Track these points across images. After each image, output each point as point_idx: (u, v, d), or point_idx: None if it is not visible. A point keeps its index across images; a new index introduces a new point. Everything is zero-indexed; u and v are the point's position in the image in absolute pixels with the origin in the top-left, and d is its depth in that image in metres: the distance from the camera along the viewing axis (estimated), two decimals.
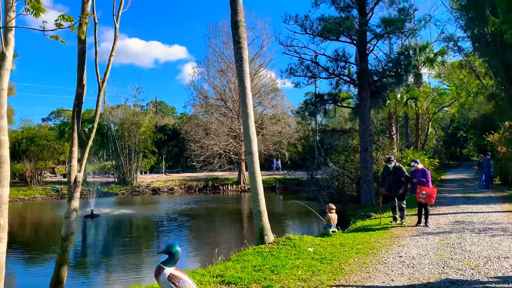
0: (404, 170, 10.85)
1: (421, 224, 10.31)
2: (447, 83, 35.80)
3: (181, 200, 27.61)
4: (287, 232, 9.33)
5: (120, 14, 5.27)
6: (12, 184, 28.44)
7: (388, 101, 21.17)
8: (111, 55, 5.31)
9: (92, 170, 38.22)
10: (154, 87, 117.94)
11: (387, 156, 12.24)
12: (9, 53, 5.64)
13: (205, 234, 15.59)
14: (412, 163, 10.63)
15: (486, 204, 13.74)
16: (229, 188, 33.53)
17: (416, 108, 24.25)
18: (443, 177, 27.52)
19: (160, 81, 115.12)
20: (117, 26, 5.23)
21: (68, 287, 6.08)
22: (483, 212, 12.10)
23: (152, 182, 34.25)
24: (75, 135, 5.19)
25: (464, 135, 45.48)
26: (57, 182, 32.85)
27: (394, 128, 26.01)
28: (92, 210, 19.02)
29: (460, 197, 16.28)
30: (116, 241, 14.73)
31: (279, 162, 42.63)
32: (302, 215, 17.73)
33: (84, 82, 5.33)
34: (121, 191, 31.43)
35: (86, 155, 5.25)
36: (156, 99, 66.15)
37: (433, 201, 10.24)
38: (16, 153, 31.47)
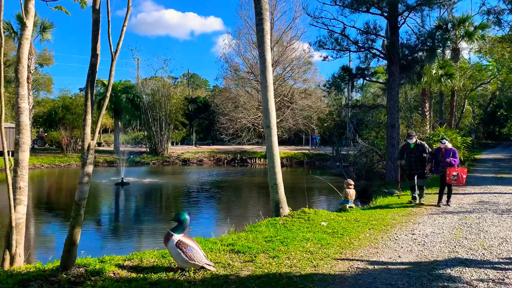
0: (427, 146, 10.49)
1: (442, 203, 10.09)
2: (487, 59, 34.07)
3: (209, 171, 28.10)
4: (306, 206, 9.33)
5: None
6: (49, 151, 29.67)
7: (422, 78, 20.34)
8: (123, 26, 5.36)
9: (125, 139, 39.33)
10: (187, 59, 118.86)
11: (407, 132, 11.81)
12: (29, 23, 5.80)
13: (228, 205, 15.88)
14: (444, 140, 10.08)
15: None
16: (257, 162, 33.74)
17: (452, 85, 23.28)
18: (477, 156, 26.61)
19: (195, 53, 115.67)
20: None
21: (88, 249, 6.44)
22: (511, 193, 11.70)
23: (182, 153, 34.94)
24: (89, 103, 5.32)
25: (505, 113, 43.49)
26: None
27: (427, 104, 25.14)
28: (122, 178, 19.70)
29: (490, 177, 15.78)
30: (142, 208, 15.24)
31: (317, 137, 42.40)
32: (324, 190, 17.69)
33: (98, 52, 5.41)
34: (152, 161, 32.27)
35: (99, 123, 5.40)
36: (188, 72, 66.69)
37: (464, 181, 9.83)
38: (53, 121, 32.68)
